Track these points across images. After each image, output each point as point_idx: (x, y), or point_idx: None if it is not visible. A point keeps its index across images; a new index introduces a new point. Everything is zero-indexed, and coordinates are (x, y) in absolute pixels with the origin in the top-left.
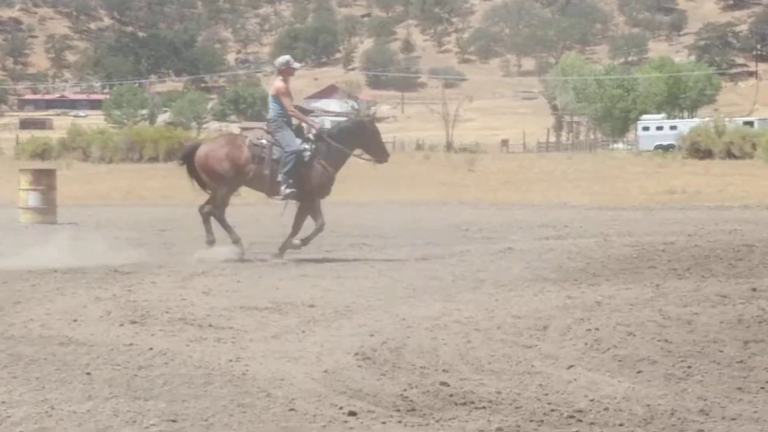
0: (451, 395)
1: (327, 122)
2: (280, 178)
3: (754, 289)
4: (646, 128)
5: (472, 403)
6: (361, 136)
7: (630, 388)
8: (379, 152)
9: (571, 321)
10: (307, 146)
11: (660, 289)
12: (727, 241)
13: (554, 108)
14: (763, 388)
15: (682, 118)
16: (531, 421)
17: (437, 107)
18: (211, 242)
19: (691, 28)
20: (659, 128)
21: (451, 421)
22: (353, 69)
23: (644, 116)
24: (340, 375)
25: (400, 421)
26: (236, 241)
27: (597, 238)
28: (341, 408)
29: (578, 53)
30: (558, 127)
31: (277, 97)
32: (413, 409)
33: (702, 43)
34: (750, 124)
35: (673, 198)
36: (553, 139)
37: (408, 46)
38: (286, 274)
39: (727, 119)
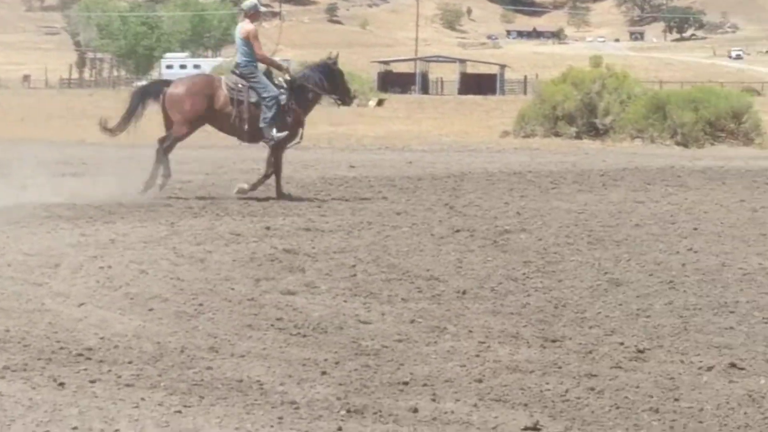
0: None
1: None
2: (262, 123)
3: (268, 228)
4: (169, 66)
5: None
6: (327, 79)
7: (141, 325)
8: (343, 94)
9: (84, 259)
10: (282, 90)
11: (175, 227)
12: (244, 180)
13: (77, 44)
14: (272, 325)
15: (207, 57)
16: (39, 359)
17: None
18: (166, 176)
19: None
20: (183, 66)
21: None
22: None
23: (168, 54)
24: None
25: None
26: (166, 176)
27: (115, 176)
28: None
29: None
30: (81, 64)
31: (247, 41)
32: None
33: None
34: None
35: (193, 136)
36: (76, 75)
37: None
38: None
39: None
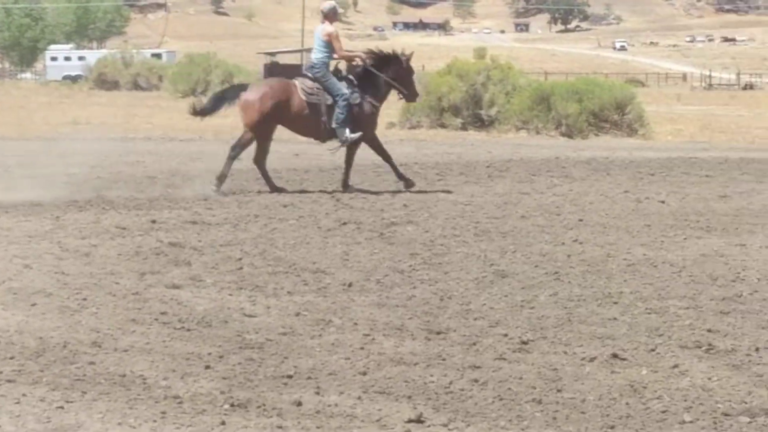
0: None
1: None
2: (335, 124)
3: (154, 221)
4: (54, 58)
5: None
6: (396, 70)
7: (23, 320)
8: (410, 90)
9: None
10: (352, 89)
11: (60, 221)
12: (129, 173)
13: None
14: (156, 319)
15: (91, 49)
16: None
17: None
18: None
19: None
20: (67, 58)
21: None
22: None
23: (52, 46)
24: None
25: None
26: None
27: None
28: None
29: None
30: None
31: (328, 42)
32: None
33: None
34: (158, 56)
35: (78, 129)
36: None
37: None
38: None
39: (135, 51)
